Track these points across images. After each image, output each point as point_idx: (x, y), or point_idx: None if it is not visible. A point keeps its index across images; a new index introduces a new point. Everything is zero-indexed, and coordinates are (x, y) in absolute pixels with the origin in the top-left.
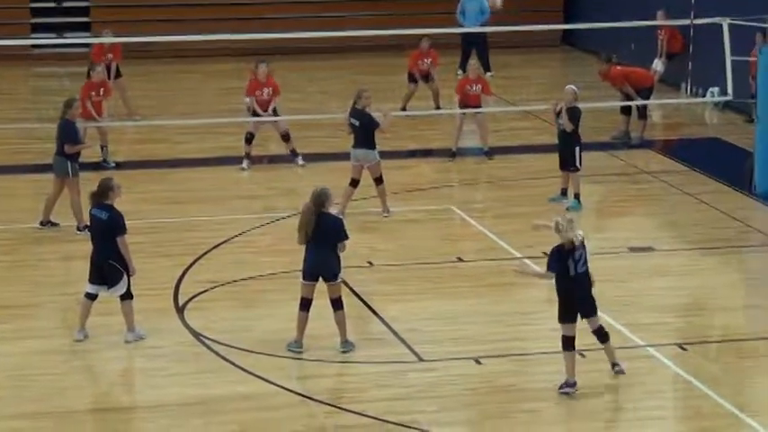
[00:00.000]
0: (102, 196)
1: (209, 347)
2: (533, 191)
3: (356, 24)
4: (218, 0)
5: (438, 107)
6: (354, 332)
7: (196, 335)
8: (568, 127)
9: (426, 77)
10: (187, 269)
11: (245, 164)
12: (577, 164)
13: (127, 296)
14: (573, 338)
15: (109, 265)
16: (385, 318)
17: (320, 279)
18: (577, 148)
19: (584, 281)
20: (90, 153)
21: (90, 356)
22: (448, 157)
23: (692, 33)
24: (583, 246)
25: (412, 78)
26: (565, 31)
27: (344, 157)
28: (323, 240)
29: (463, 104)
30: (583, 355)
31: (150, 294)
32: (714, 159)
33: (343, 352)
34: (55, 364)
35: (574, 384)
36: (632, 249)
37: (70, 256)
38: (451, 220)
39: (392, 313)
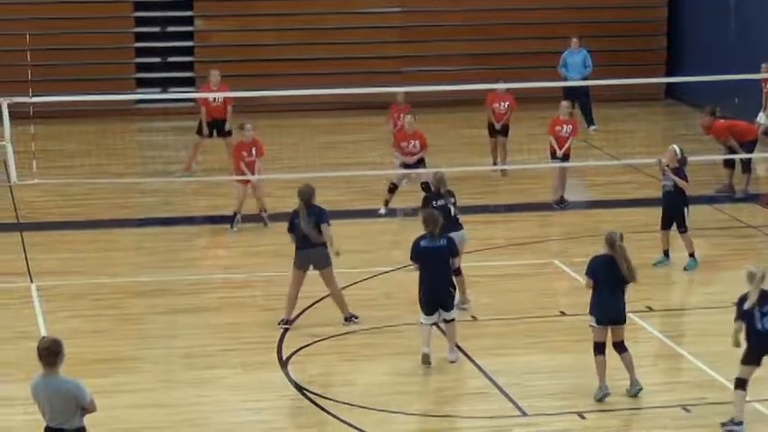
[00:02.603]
0: (436, 227)
1: (312, 401)
2: (635, 245)
3: (450, 80)
4: (317, 55)
5: (502, 168)
6: (457, 387)
7: (299, 389)
8: (684, 185)
9: (504, 127)
10: (291, 323)
11: (382, 210)
12: (687, 224)
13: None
14: (745, 381)
15: (449, 291)
16: (488, 372)
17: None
18: (686, 209)
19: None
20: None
21: (192, 410)
22: (557, 206)
23: None
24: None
25: (492, 131)
26: (668, 84)
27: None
28: (617, 284)
29: (556, 147)
30: (687, 410)
31: (254, 348)
32: None
33: (632, 395)
34: (158, 419)
35: (740, 424)
36: None
37: (174, 310)
38: (554, 274)
39: (495, 367)
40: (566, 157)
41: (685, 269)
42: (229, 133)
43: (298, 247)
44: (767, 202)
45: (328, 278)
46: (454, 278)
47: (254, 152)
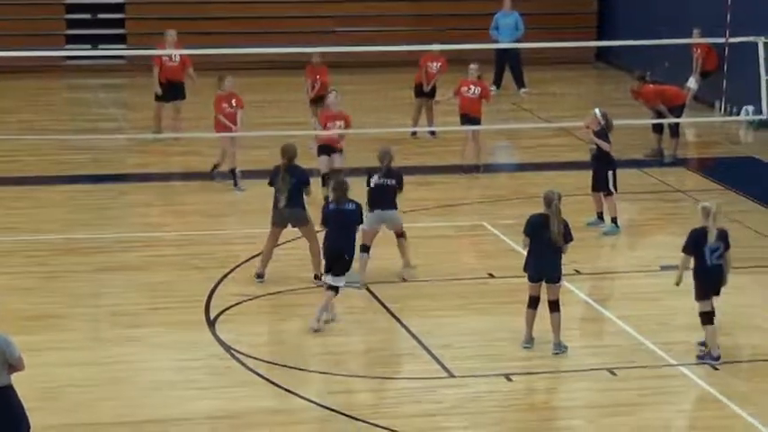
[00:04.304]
0: (345, 193)
1: (239, 361)
2: (565, 208)
3: (384, 40)
4: (251, 13)
5: (432, 132)
6: (386, 348)
7: (227, 348)
8: (605, 147)
9: (432, 89)
10: (219, 282)
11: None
12: (611, 187)
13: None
14: (711, 313)
15: (345, 257)
16: (416, 333)
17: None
18: (611, 172)
19: (718, 274)
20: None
21: (120, 368)
22: (469, 173)
23: (726, 52)
24: (722, 240)
25: (419, 93)
26: (599, 48)
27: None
28: (550, 244)
29: (461, 108)
30: (613, 374)
31: (182, 307)
32: (748, 178)
33: (555, 353)
34: (85, 376)
35: (718, 358)
36: (664, 268)
37: (102, 268)
38: (483, 236)
39: (424, 328)
40: (476, 121)
41: (605, 234)
42: (184, 97)
43: (275, 204)
44: (695, 165)
45: (309, 234)
46: (396, 239)
47: (234, 103)
